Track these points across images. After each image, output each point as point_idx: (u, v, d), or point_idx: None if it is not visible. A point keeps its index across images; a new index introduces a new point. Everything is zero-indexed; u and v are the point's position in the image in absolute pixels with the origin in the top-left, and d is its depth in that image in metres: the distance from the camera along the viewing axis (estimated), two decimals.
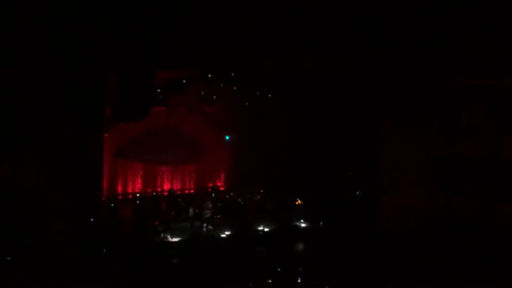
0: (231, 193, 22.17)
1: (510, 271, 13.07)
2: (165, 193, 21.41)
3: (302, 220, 19.26)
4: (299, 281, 13.23)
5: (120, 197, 21.15)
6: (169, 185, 22.91)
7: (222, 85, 19.67)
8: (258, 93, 20.98)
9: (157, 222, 17.90)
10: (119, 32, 12.28)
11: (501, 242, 14.16)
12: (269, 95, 20.97)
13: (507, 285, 12.67)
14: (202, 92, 20.21)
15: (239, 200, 20.92)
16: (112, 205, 18.94)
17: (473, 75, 14.84)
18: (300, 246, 17.20)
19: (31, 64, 11.04)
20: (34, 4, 11.02)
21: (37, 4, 11.05)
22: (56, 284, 11.18)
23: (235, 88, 20.16)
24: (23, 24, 10.75)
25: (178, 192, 22.16)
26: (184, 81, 18.34)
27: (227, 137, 24.24)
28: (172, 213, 19.25)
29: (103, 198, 19.33)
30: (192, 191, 23.38)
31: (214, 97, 20.94)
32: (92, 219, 16.64)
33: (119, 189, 21.85)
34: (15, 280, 10.24)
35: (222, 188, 23.71)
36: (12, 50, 10.76)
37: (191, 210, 19.53)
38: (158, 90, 18.23)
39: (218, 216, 19.05)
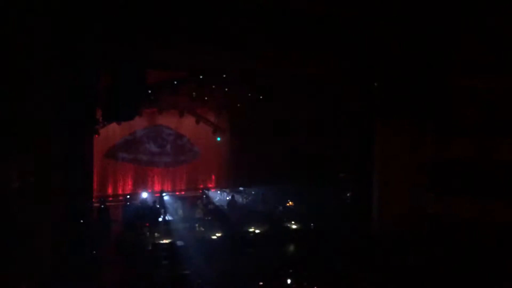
0: (222, 195, 22.18)
1: (501, 271, 13.18)
2: (156, 195, 21.31)
3: (293, 222, 19.26)
4: (289, 282, 13.23)
5: (110, 198, 21.10)
6: (159, 186, 22.89)
7: (213, 86, 19.65)
8: (249, 94, 21.00)
9: (147, 224, 17.82)
10: (111, 32, 12.24)
11: (492, 242, 14.25)
12: (261, 97, 21.00)
13: (498, 285, 12.78)
14: (194, 93, 20.20)
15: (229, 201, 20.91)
16: (103, 206, 18.83)
17: (464, 76, 14.94)
18: (291, 247, 17.20)
19: (23, 64, 10.96)
20: (29, 2, 10.96)
21: (32, 3, 11.00)
22: (46, 285, 11.11)
23: (226, 89, 20.16)
24: (18, 23, 10.67)
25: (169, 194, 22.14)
26: (175, 82, 18.27)
27: (219, 139, 24.28)
28: (162, 215, 19.18)
29: (94, 199, 19.25)
30: (183, 192, 23.39)
31: (206, 98, 20.93)
32: (82, 221, 16.56)
33: (110, 190, 21.82)
34: (4, 281, 10.16)
35: (213, 190, 23.72)
36: (6, 50, 10.68)
37: (181, 211, 19.53)
38: (149, 91, 18.19)
39: (209, 218, 19.02)
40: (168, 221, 18.94)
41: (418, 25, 14.30)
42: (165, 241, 16.54)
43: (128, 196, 20.48)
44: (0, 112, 10.37)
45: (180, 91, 18.91)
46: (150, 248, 15.99)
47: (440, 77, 15.15)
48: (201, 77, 18.12)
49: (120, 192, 21.94)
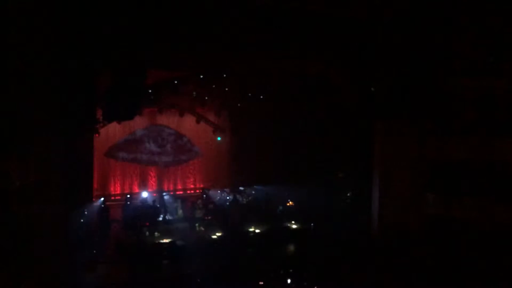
0: (222, 194, 22.17)
1: (501, 271, 13.18)
2: (156, 194, 21.31)
3: (293, 222, 19.25)
4: (289, 282, 13.24)
5: (110, 198, 21.10)
6: (159, 186, 22.88)
7: (213, 86, 19.63)
8: (249, 94, 20.98)
9: (147, 224, 17.82)
10: (111, 32, 12.24)
11: (491, 242, 14.26)
12: (261, 97, 20.98)
13: (497, 285, 12.79)
14: (194, 92, 20.18)
15: (229, 200, 20.88)
16: (103, 206, 18.84)
17: (464, 76, 14.95)
18: (291, 247, 17.19)
19: (23, 64, 10.96)
20: (28, 3, 10.96)
21: (31, 4, 10.99)
22: (46, 285, 11.11)
23: (226, 89, 20.15)
24: (18, 22, 10.66)
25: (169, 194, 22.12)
26: (175, 82, 18.26)
27: (219, 138, 24.26)
28: (162, 214, 19.17)
29: (94, 199, 19.25)
30: (183, 192, 23.37)
31: (206, 98, 20.91)
32: (82, 220, 16.58)
33: (110, 189, 21.80)
34: (4, 281, 10.15)
35: (213, 190, 23.67)
36: (6, 49, 10.67)
37: (181, 211, 19.52)
38: (150, 91, 18.19)
39: (209, 218, 19.01)
40: (168, 220, 18.94)
41: (418, 25, 14.29)
42: (165, 241, 16.54)
43: (128, 196, 20.43)
44: (0, 112, 10.37)
45: (180, 90, 18.88)
46: (150, 248, 15.99)
47: (440, 77, 15.15)
48: (201, 77, 18.11)
49: (120, 191, 21.92)
